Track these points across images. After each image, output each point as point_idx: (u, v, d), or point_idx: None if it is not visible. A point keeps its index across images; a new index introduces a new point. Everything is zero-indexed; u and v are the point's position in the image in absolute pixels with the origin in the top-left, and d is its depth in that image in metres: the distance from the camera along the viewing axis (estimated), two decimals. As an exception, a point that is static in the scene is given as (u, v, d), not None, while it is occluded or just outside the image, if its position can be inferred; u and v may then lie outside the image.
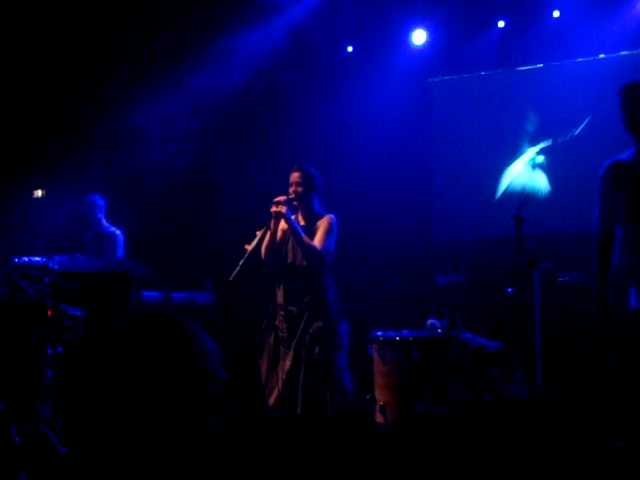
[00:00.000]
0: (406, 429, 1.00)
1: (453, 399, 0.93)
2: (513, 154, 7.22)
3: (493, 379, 4.55)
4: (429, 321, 4.97)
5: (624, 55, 6.82)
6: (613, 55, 6.84)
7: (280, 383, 5.03)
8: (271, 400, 5.07)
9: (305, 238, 5.03)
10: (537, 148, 7.14)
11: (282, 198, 5.04)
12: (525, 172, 7.15)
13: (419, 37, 7.46)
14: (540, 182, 7.09)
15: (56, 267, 5.05)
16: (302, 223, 5.16)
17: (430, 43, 7.45)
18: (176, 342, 1.42)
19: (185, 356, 1.41)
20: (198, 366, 1.42)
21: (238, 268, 4.81)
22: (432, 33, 7.42)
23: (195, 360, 1.42)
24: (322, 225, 5.13)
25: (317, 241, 5.05)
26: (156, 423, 1.39)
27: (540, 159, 7.11)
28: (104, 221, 6.54)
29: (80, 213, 6.49)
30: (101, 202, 6.53)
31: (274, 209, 4.98)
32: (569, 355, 6.06)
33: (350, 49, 7.72)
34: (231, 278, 4.82)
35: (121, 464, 1.36)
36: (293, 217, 5.11)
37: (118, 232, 6.44)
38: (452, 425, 0.95)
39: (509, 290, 4.64)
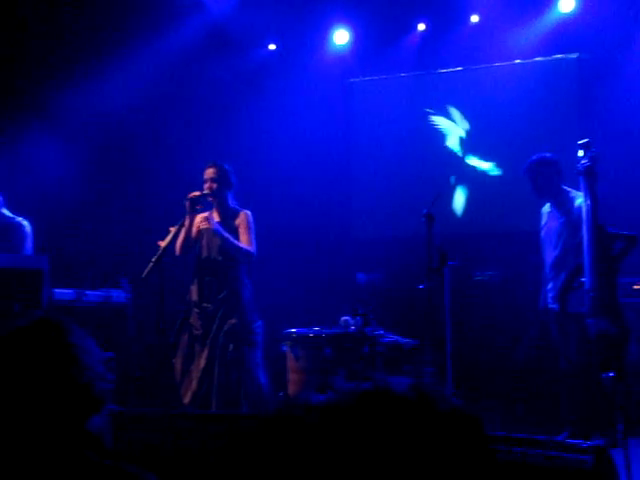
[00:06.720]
0: (276, 424, 0.98)
1: (334, 388, 0.91)
2: (431, 154, 7.32)
3: (405, 374, 4.61)
4: (343, 318, 5.00)
5: (539, 61, 7.01)
6: (529, 61, 7.02)
7: (195, 381, 5.02)
8: (186, 399, 5.03)
9: (238, 244, 5.05)
10: (457, 148, 7.26)
11: (196, 194, 5.03)
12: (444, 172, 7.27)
13: (341, 37, 7.49)
14: (458, 182, 7.22)
15: (-41, 263, 4.86)
16: (217, 219, 5.14)
17: (352, 43, 7.49)
18: (54, 346, 1.43)
19: (60, 359, 1.42)
20: (75, 368, 1.42)
21: (151, 265, 4.78)
22: (354, 33, 7.46)
23: (72, 362, 1.43)
24: (242, 224, 5.13)
25: (246, 243, 5.08)
26: (30, 428, 1.38)
27: (461, 159, 7.25)
28: (6, 211, 5.79)
29: None
30: None
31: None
32: (480, 350, 6.19)
33: (272, 47, 7.69)
34: (144, 275, 4.78)
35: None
36: (207, 214, 5.09)
37: (25, 222, 5.68)
38: (326, 414, 0.95)
39: (420, 286, 4.73)
